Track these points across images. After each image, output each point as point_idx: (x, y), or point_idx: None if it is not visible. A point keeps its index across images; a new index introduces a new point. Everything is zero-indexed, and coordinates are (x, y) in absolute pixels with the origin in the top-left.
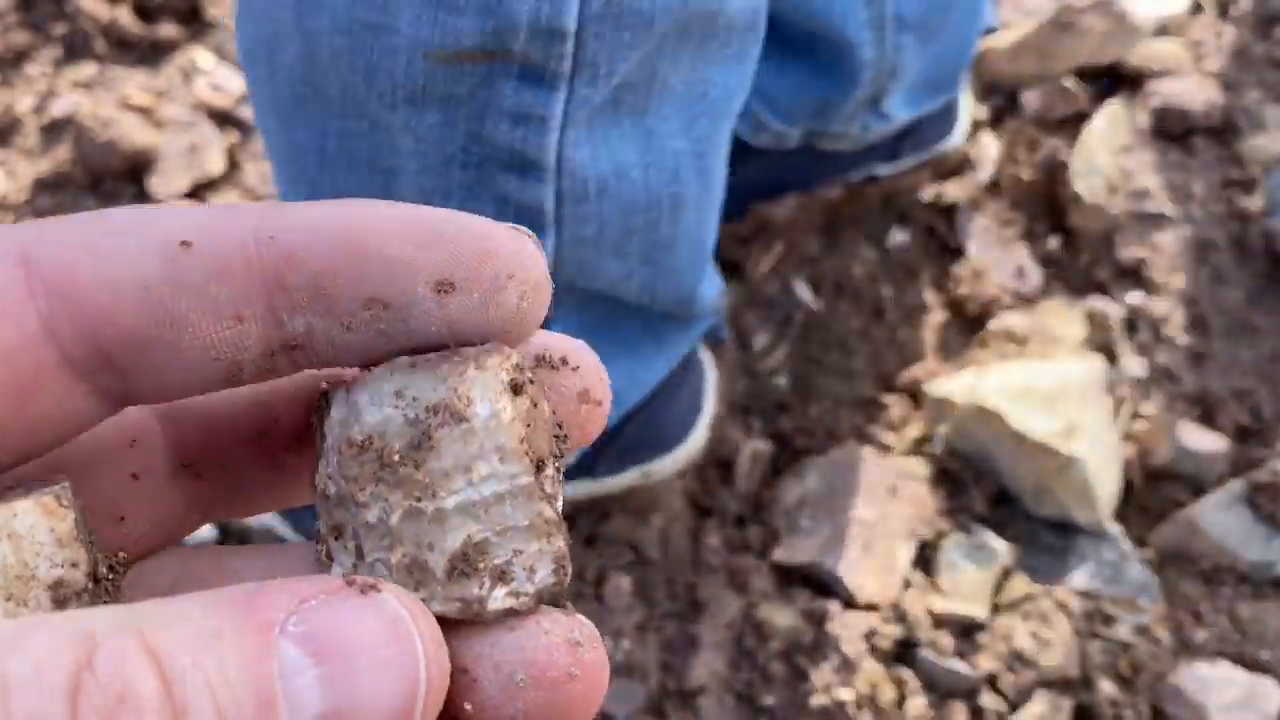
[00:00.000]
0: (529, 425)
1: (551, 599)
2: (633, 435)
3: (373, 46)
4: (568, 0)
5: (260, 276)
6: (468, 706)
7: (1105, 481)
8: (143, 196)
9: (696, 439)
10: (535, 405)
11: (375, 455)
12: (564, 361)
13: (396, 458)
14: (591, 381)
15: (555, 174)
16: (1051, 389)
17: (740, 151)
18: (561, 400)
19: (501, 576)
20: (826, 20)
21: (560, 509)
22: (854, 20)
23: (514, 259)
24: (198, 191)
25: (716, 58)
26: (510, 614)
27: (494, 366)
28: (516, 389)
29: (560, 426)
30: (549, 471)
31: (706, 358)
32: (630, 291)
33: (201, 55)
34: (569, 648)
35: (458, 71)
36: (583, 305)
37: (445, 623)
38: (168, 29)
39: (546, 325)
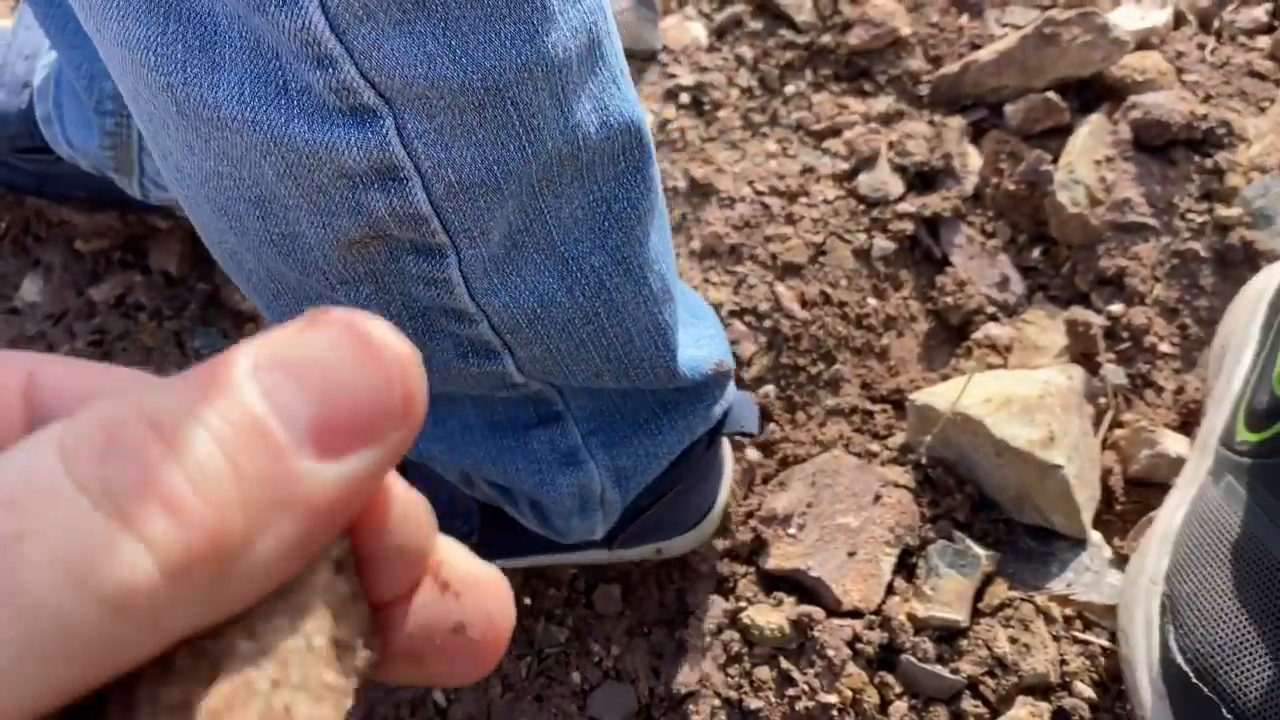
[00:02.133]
0: (341, 605)
1: None
2: (653, 518)
3: (293, 250)
4: (412, 191)
5: None
6: None
7: (1085, 489)
8: None
9: (712, 520)
10: (354, 596)
11: None
12: (446, 586)
13: None
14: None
15: (484, 317)
16: (1033, 398)
17: None
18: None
19: None
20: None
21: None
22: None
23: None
24: None
25: (606, 178)
26: None
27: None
28: (339, 567)
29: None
30: (351, 660)
31: (727, 450)
32: (609, 384)
33: None
34: None
35: (366, 253)
36: (588, 395)
37: None
38: None
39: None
